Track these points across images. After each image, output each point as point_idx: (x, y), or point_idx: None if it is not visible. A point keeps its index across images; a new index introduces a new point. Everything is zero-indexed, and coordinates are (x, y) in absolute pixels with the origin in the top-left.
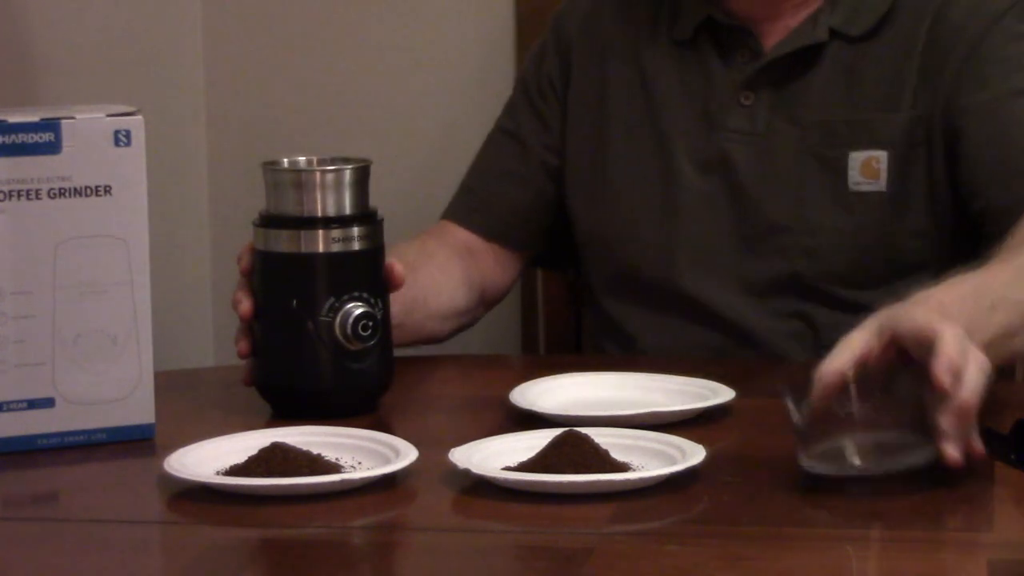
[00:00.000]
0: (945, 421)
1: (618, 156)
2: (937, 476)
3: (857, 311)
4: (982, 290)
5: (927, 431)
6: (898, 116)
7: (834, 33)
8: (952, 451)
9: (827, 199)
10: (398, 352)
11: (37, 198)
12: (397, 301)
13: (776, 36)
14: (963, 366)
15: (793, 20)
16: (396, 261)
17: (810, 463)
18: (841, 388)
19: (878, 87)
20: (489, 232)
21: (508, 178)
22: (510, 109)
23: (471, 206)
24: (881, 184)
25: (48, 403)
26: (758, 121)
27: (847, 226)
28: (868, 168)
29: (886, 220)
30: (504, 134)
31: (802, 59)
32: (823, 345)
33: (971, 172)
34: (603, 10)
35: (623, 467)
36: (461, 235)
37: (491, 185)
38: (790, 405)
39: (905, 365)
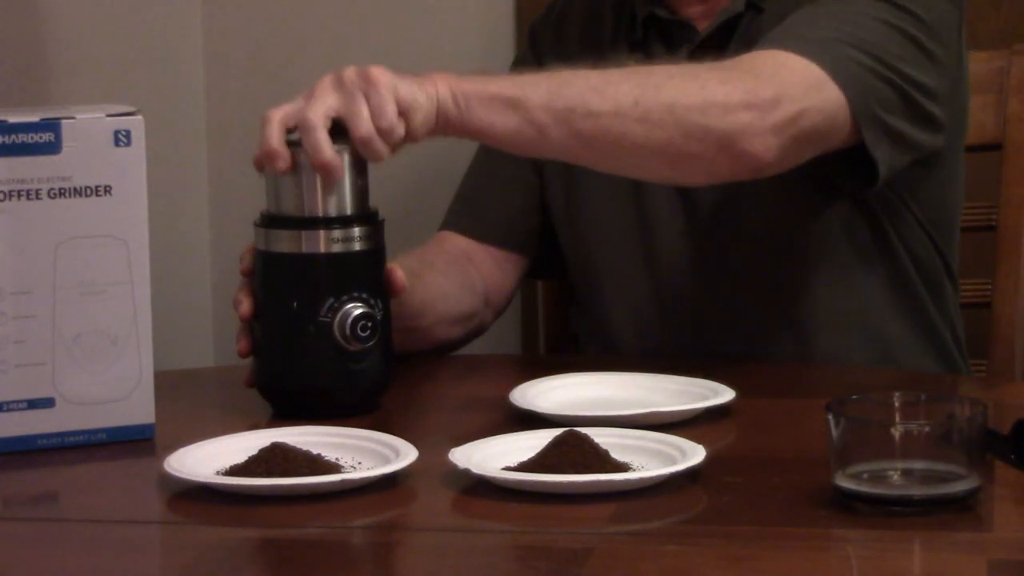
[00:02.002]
0: None
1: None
2: (972, 503)
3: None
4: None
5: (975, 464)
6: None
7: (749, 5)
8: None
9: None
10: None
11: (37, 198)
12: (406, 307)
13: (708, 21)
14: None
15: (720, 4)
16: (397, 267)
17: (845, 482)
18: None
19: None
20: (484, 235)
21: (499, 180)
22: None
23: (465, 213)
24: None
25: (48, 403)
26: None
27: (782, 194)
28: None
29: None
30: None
31: (725, 34)
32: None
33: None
34: (572, 17)
35: (623, 467)
36: (458, 242)
37: (483, 189)
38: (830, 420)
39: (963, 400)
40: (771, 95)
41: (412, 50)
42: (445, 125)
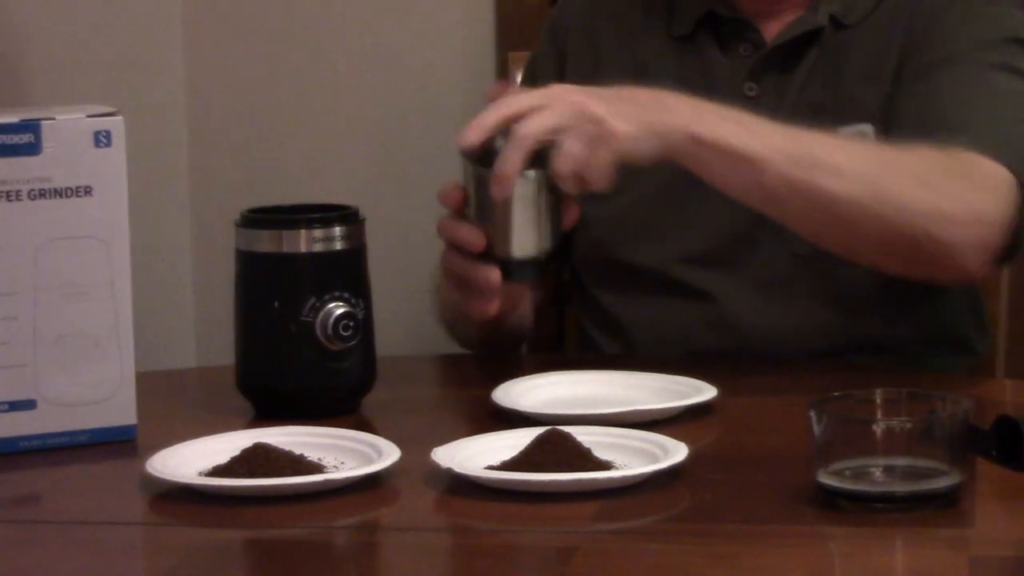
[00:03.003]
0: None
1: None
2: (954, 499)
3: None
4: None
5: (957, 460)
6: (880, 90)
7: (831, 19)
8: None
9: None
10: (380, 353)
11: (17, 199)
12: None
13: (777, 27)
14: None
15: (793, 14)
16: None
17: (828, 479)
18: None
19: (864, 65)
20: None
21: None
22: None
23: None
24: None
25: (30, 405)
26: (762, 111)
27: None
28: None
29: None
30: None
31: (800, 46)
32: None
33: (899, 121)
34: (598, 6)
35: (606, 465)
36: None
37: None
38: (812, 418)
39: (945, 396)
40: (992, 215)
41: (395, 52)
42: (667, 159)
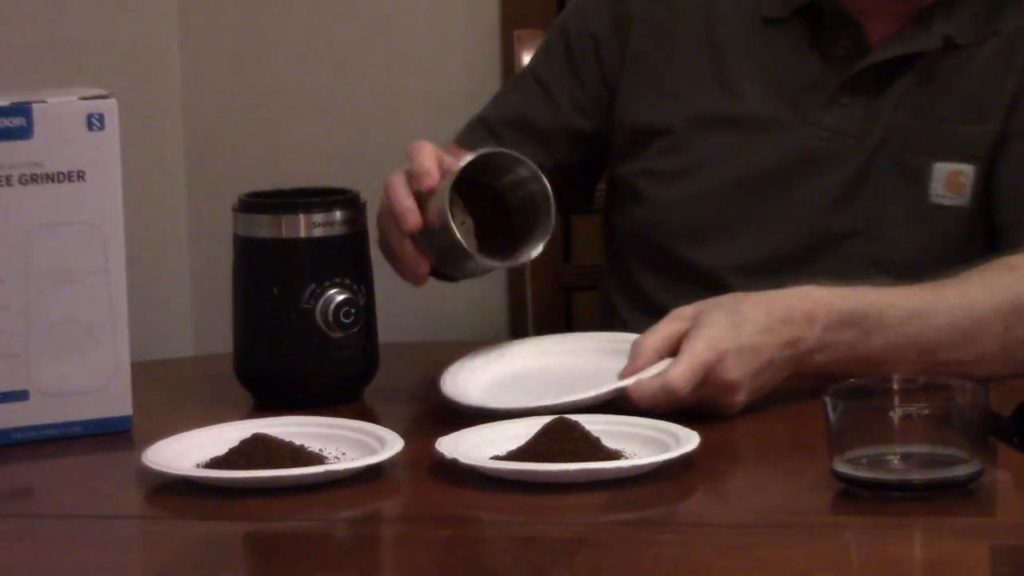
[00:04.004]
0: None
1: (682, 135)
2: (974, 488)
3: None
4: (870, 312)
5: (977, 448)
6: (986, 128)
7: (945, 39)
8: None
9: (905, 210)
10: (383, 340)
11: (8, 184)
12: None
13: (884, 30)
14: (656, 398)
15: (900, 21)
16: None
17: (844, 467)
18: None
19: (969, 98)
20: None
21: (530, 131)
22: (546, 55)
23: (487, 144)
24: (965, 199)
25: (22, 396)
26: (853, 123)
27: (922, 239)
28: (953, 182)
29: (964, 237)
30: (535, 82)
31: (905, 63)
32: None
33: (998, 185)
34: None
35: (615, 455)
36: None
37: (512, 134)
38: (828, 405)
39: (964, 382)
40: None
41: (396, 35)
42: None
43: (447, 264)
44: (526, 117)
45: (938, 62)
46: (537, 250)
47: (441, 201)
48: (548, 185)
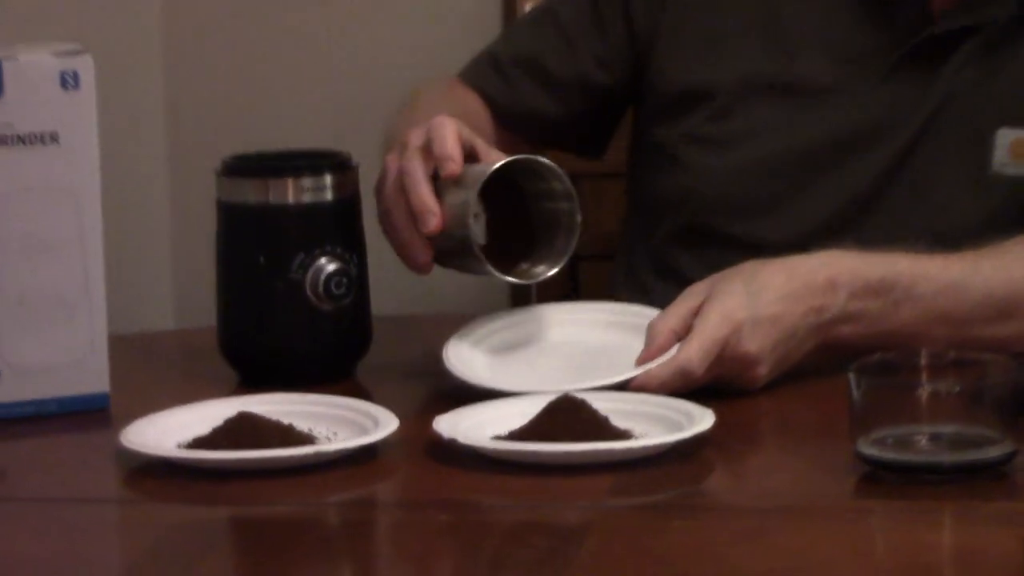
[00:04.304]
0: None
1: (730, 100)
2: (1007, 470)
3: None
4: (900, 280)
5: (1010, 428)
6: None
7: (1019, 6)
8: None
9: (963, 179)
10: (376, 312)
11: None
12: None
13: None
14: (671, 384)
15: None
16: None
17: (868, 448)
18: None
19: None
20: (507, 119)
21: (540, 75)
22: None
23: (497, 86)
24: None
25: None
26: (912, 93)
27: (981, 210)
28: (1017, 150)
29: None
30: (553, 22)
31: (968, 32)
32: None
33: None
34: None
35: (624, 435)
36: (474, 105)
37: (521, 75)
38: (851, 382)
39: (996, 358)
40: None
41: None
42: None
43: (450, 259)
44: (538, 60)
45: (1003, 30)
46: (553, 271)
47: (462, 207)
48: (578, 208)
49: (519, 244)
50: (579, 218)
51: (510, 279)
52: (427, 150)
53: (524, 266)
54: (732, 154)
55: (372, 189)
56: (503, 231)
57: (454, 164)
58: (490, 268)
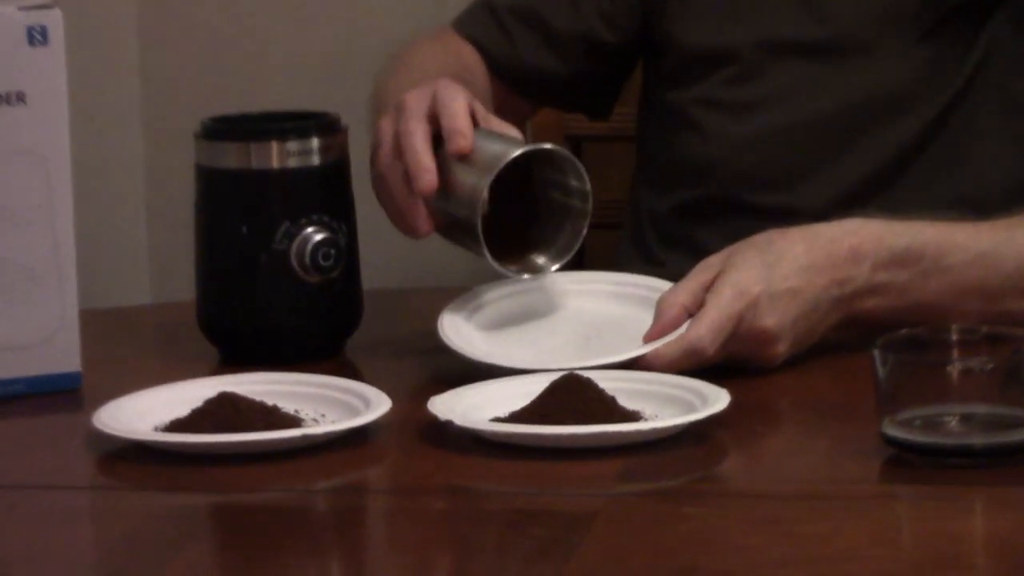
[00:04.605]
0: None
1: (754, 63)
2: None
3: None
4: (929, 250)
5: None
6: None
7: None
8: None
9: (1004, 141)
10: (367, 285)
11: None
12: None
13: None
14: (680, 363)
15: None
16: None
17: (895, 430)
18: (684, 319)
19: None
20: (504, 75)
21: (541, 29)
22: None
23: (494, 39)
24: None
25: None
26: (952, 54)
27: (1021, 175)
28: None
29: None
30: None
31: None
32: None
33: None
34: None
35: (633, 416)
36: (470, 59)
37: (521, 29)
38: (876, 358)
39: None
40: None
41: None
42: None
43: (447, 233)
44: (539, 12)
45: None
46: (554, 267)
47: (472, 191)
48: (590, 212)
49: (517, 224)
50: (588, 219)
51: (509, 272)
52: (430, 116)
53: (519, 251)
54: (754, 120)
55: (362, 152)
56: (501, 206)
57: (465, 141)
58: (491, 259)
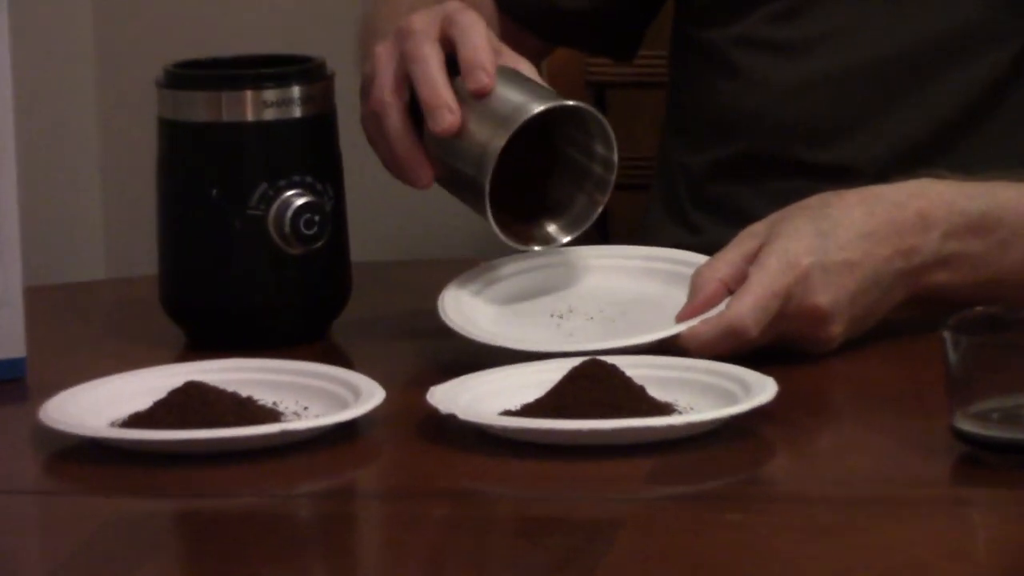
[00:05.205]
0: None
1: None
2: None
3: None
4: (1007, 216)
5: None
6: None
7: None
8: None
9: None
10: (356, 258)
11: None
12: None
13: None
14: (719, 345)
15: None
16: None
17: (968, 424)
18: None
19: None
20: (515, 8)
21: None
22: None
23: None
24: None
25: None
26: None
27: None
28: None
29: None
30: None
31: None
32: None
33: None
34: None
35: (665, 408)
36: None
37: None
38: (947, 342)
39: None
40: None
41: None
42: None
43: (447, 183)
44: None
45: None
46: (565, 238)
47: (484, 148)
48: (612, 183)
49: (526, 178)
50: (608, 191)
51: (513, 243)
52: (443, 39)
53: (526, 212)
54: (804, 63)
55: (350, 102)
56: (508, 156)
57: (488, 79)
58: (495, 227)
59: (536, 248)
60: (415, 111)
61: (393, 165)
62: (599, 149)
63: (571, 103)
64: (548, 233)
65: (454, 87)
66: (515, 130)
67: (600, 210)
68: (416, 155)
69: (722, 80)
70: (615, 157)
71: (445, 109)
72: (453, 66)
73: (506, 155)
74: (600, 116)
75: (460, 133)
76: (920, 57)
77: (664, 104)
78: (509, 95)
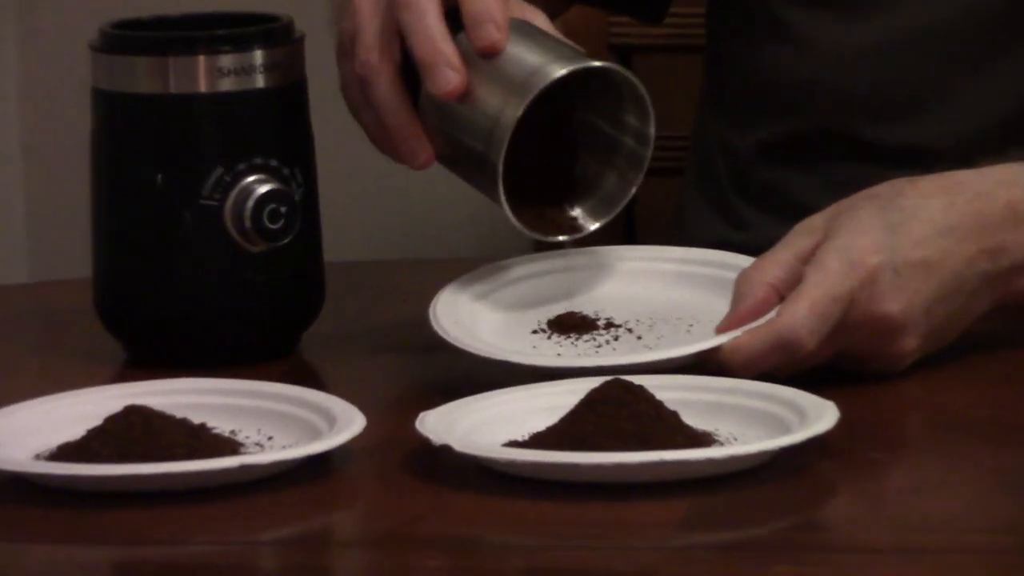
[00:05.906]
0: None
1: None
2: None
3: None
4: None
5: None
6: None
7: None
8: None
9: None
10: (331, 257)
11: None
12: None
13: None
14: (768, 359)
15: None
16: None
17: None
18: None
19: None
20: None
21: None
22: None
23: None
24: None
25: None
26: None
27: None
28: None
29: None
30: None
31: None
32: None
33: None
34: None
35: (703, 439)
36: None
37: None
38: None
39: None
40: None
41: None
42: None
43: (450, 165)
44: None
45: None
46: (593, 225)
47: (495, 120)
48: (647, 158)
49: (545, 154)
50: (641, 174)
51: (533, 234)
52: None
53: (545, 194)
54: (872, 22)
55: (330, 74)
56: (523, 126)
57: (500, 33)
58: (510, 215)
59: (559, 238)
60: (408, 74)
61: (383, 140)
62: (631, 120)
63: (599, 64)
64: (572, 218)
65: (457, 44)
66: (533, 97)
67: (633, 191)
68: (411, 127)
69: (772, 44)
70: (651, 129)
71: (447, 67)
72: (454, 22)
73: (521, 127)
74: (635, 79)
75: (466, 100)
76: (1007, 17)
77: (701, 72)
78: (524, 54)
